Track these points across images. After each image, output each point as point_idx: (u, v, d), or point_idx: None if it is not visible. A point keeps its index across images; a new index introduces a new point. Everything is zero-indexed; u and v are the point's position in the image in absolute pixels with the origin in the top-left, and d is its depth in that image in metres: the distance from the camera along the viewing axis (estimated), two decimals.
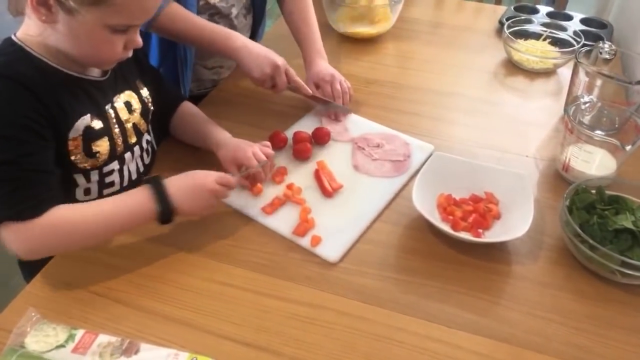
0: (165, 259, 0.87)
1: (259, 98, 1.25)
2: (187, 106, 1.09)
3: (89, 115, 0.85)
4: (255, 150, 0.98)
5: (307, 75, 1.22)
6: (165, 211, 0.82)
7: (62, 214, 0.78)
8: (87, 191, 0.91)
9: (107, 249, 0.89)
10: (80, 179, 0.88)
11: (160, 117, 1.05)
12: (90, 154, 0.87)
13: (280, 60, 1.10)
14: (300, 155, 1.07)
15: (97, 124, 0.87)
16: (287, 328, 0.77)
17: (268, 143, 1.00)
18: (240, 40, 1.10)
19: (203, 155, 1.04)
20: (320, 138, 1.10)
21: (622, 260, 0.79)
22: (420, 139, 1.14)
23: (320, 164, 1.05)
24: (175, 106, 1.08)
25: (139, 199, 0.82)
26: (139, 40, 0.83)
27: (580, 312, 0.81)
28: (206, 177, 0.87)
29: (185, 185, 0.86)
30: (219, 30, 1.11)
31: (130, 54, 0.85)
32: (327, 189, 0.99)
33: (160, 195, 0.82)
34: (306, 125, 1.16)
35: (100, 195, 0.92)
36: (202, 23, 1.10)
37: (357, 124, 1.18)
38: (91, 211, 0.81)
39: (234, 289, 0.83)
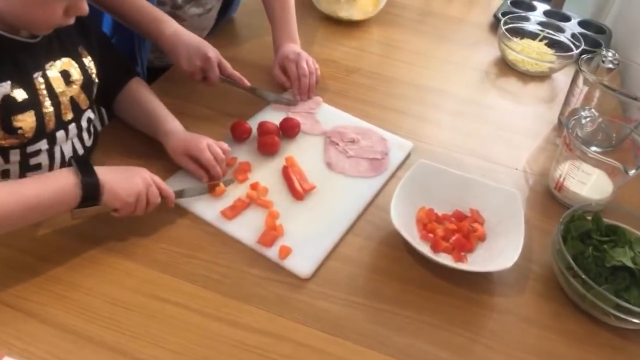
0: (95, 264, 0.74)
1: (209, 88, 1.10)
2: (137, 84, 0.94)
3: (9, 82, 0.71)
4: (210, 142, 0.86)
5: (274, 59, 1.10)
6: (89, 181, 0.69)
7: None
8: (4, 173, 0.77)
9: (20, 244, 0.74)
10: None
11: (104, 93, 0.90)
12: (9, 129, 0.73)
13: (212, 52, 0.97)
14: (267, 149, 0.94)
15: (20, 94, 0.73)
16: None
17: (225, 145, 0.88)
18: (172, 27, 0.96)
19: (156, 144, 0.90)
20: (288, 130, 0.98)
21: (617, 303, 0.71)
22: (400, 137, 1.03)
23: (289, 160, 0.93)
24: (123, 82, 0.93)
25: (61, 173, 0.69)
26: (85, 7, 0.71)
27: (567, 356, 0.72)
28: (143, 169, 0.77)
29: (117, 167, 0.75)
30: (152, 11, 0.96)
31: (71, 21, 0.72)
32: (298, 191, 0.87)
33: (84, 165, 0.70)
34: (273, 115, 1.03)
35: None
36: (138, 1, 0.95)
37: (329, 115, 1.06)
38: (2, 188, 0.66)
39: (177, 308, 0.70)
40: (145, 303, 0.70)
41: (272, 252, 0.78)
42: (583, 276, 0.73)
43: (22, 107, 0.73)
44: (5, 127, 0.72)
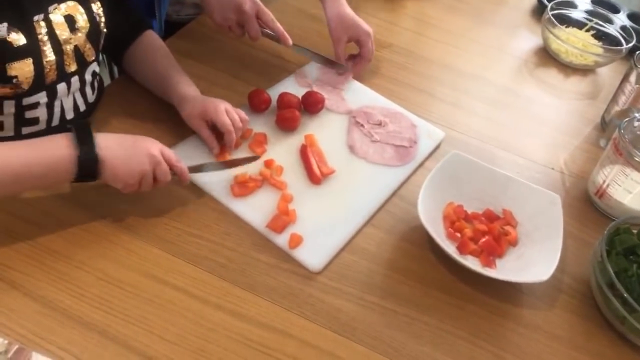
0: (89, 234, 0.67)
1: (244, 41, 1.00)
2: (150, 38, 0.86)
3: (5, 24, 0.63)
4: (229, 108, 0.78)
5: (332, 20, 0.96)
6: (86, 157, 0.61)
7: None
8: None
9: (9, 206, 0.68)
10: None
11: (113, 45, 0.82)
12: (3, 78, 0.65)
13: (248, 3, 0.86)
14: (286, 124, 0.86)
15: (18, 39, 0.65)
16: (233, 356, 0.59)
17: (243, 114, 0.80)
18: None
19: (165, 105, 0.83)
20: (311, 105, 0.89)
21: None
22: (431, 124, 0.94)
23: (309, 138, 0.85)
24: (135, 34, 0.85)
25: (56, 142, 0.62)
26: None
27: None
28: (152, 142, 0.68)
29: (123, 139, 0.66)
30: None
31: None
32: (316, 174, 0.79)
33: (84, 138, 0.61)
34: (295, 87, 0.94)
35: (18, 134, 0.72)
36: None
37: (356, 93, 0.97)
38: None
39: (176, 292, 0.64)
40: (142, 284, 0.64)
41: (282, 240, 0.71)
42: (626, 295, 0.65)
43: (19, 53, 0.66)
44: None
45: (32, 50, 0.67)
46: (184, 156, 0.75)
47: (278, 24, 0.89)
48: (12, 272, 0.62)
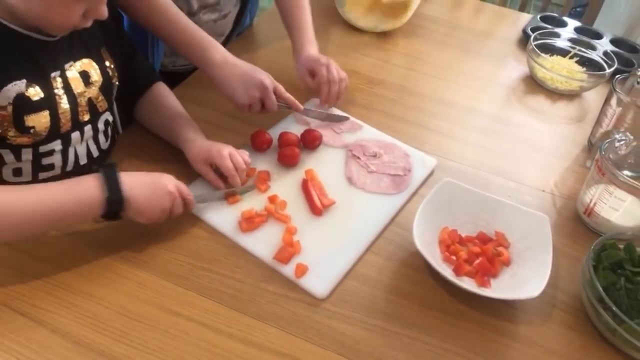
0: (108, 272, 0.73)
1: None
2: (160, 89, 0.93)
3: (24, 81, 0.70)
4: (232, 151, 0.84)
5: (297, 62, 1.06)
6: (114, 199, 0.67)
7: None
8: (16, 171, 0.76)
9: (32, 249, 0.73)
10: (7, 156, 0.74)
11: (126, 96, 0.89)
12: (22, 128, 0.71)
13: (267, 79, 0.92)
14: (287, 160, 0.92)
15: (35, 93, 0.72)
16: None
17: (246, 155, 0.86)
18: (220, 52, 0.92)
19: (172, 148, 0.89)
20: (310, 142, 0.96)
21: None
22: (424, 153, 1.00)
23: (309, 173, 0.91)
24: (146, 86, 0.92)
25: (86, 184, 0.68)
26: (104, 11, 0.70)
27: None
28: (168, 179, 0.74)
29: (143, 178, 0.73)
30: (196, 34, 0.92)
31: (89, 23, 0.71)
32: (317, 206, 0.84)
33: (111, 179, 0.68)
34: (294, 126, 1.01)
35: (35, 179, 0.78)
36: (178, 19, 0.91)
37: (352, 128, 1.04)
38: (28, 194, 0.65)
39: (189, 323, 0.69)
40: (158, 316, 0.68)
41: (289, 270, 0.75)
42: (614, 309, 0.69)
43: (36, 106, 0.72)
44: (17, 125, 0.71)
45: (49, 103, 0.73)
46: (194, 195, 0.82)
47: (288, 94, 0.97)
48: (38, 309, 0.67)
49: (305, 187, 0.88)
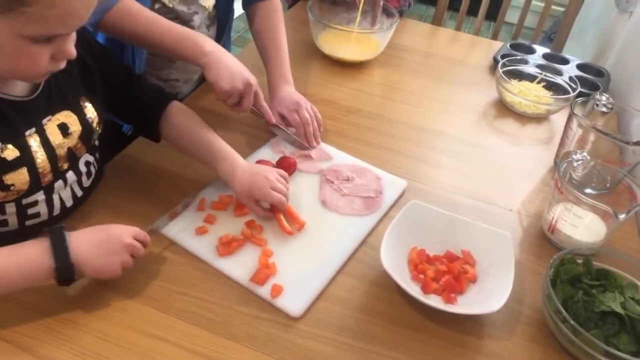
0: (88, 298, 0.76)
1: (220, 115, 1.14)
2: (179, 106, 0.96)
3: None
4: (275, 185, 0.88)
5: (271, 102, 1.11)
6: (63, 266, 0.68)
7: None
8: (3, 223, 0.77)
9: None
10: None
11: (146, 122, 0.93)
12: (1, 186, 0.72)
13: (253, 79, 0.98)
14: None
15: (10, 154, 0.72)
16: None
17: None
18: (210, 44, 0.96)
19: (154, 178, 0.95)
20: (285, 168, 0.99)
21: (606, 349, 0.70)
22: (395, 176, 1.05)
23: None
24: (163, 105, 0.94)
25: (34, 251, 0.68)
26: (72, 51, 0.69)
27: None
28: (123, 230, 0.75)
29: (96, 237, 0.73)
30: (184, 30, 0.96)
31: (62, 65, 0.70)
32: (286, 229, 0.88)
33: (58, 246, 0.68)
34: (270, 154, 1.06)
35: (22, 227, 0.80)
36: (163, 21, 0.95)
37: (326, 155, 1.08)
38: None
39: (166, 345, 0.72)
40: (136, 340, 0.71)
41: (264, 291, 0.79)
42: (571, 321, 0.73)
43: (13, 165, 0.72)
44: None
45: (26, 160, 0.73)
46: (171, 224, 0.86)
47: (265, 104, 1.03)
48: (21, 336, 0.70)
49: (273, 212, 0.92)
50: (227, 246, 0.85)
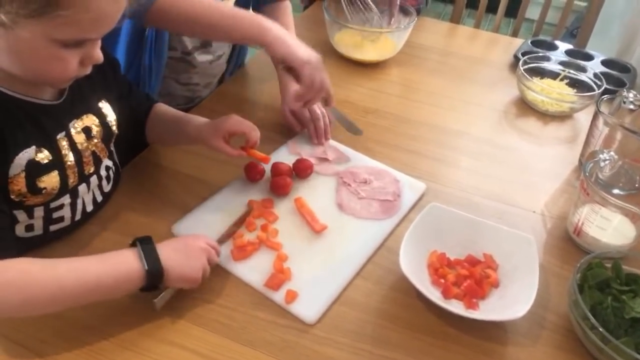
0: (104, 305, 0.74)
1: None
2: (160, 107, 0.97)
3: (33, 147, 0.72)
4: (237, 118, 0.90)
5: (282, 102, 1.11)
6: (154, 270, 0.69)
7: (26, 270, 0.65)
8: (28, 227, 0.78)
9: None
10: (20, 216, 0.76)
11: (134, 127, 0.93)
12: (34, 190, 0.73)
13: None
14: (279, 190, 0.95)
15: (44, 157, 0.73)
16: None
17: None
18: (270, 22, 0.96)
19: (169, 180, 0.95)
20: (301, 171, 0.99)
21: (636, 358, 0.67)
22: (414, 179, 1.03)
23: (298, 201, 0.93)
24: (148, 110, 0.96)
25: (125, 259, 0.70)
26: (99, 55, 0.70)
27: None
28: (197, 237, 0.78)
29: (176, 245, 0.74)
30: (241, 11, 0.95)
31: (88, 70, 0.72)
32: (314, 227, 0.88)
33: (148, 252, 0.70)
34: (286, 156, 1.05)
35: (46, 232, 0.80)
36: (219, 2, 0.94)
37: (343, 156, 1.07)
38: (66, 267, 0.67)
39: (183, 351, 0.71)
40: (152, 346, 0.71)
41: (279, 296, 0.78)
42: (600, 328, 0.70)
43: (46, 168, 0.74)
44: (30, 188, 0.73)
45: (57, 163, 0.75)
46: (188, 226, 0.86)
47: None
48: (37, 342, 0.70)
49: (300, 212, 0.91)
50: (242, 250, 0.84)
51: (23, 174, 0.71)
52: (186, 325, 0.74)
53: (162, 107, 0.97)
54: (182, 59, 1.11)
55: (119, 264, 0.69)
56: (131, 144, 0.99)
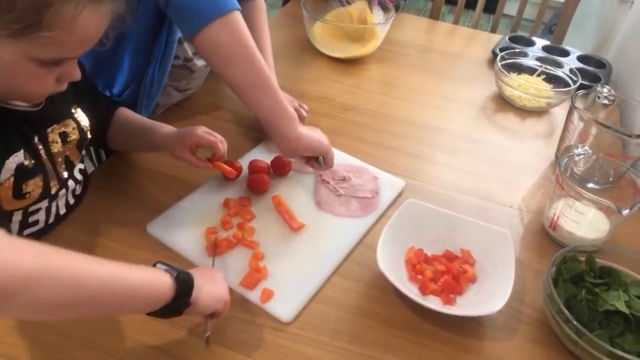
0: None
1: (214, 116, 1.13)
2: (123, 111, 0.95)
3: (22, 150, 0.72)
4: (205, 129, 0.89)
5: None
6: (184, 279, 0.63)
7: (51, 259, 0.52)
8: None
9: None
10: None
11: (98, 133, 0.91)
12: (20, 195, 0.73)
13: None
14: (256, 188, 0.94)
15: (30, 162, 0.73)
16: None
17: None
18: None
19: (145, 179, 0.93)
20: (279, 168, 0.98)
21: (610, 350, 0.68)
22: (393, 175, 1.02)
23: (276, 199, 0.93)
24: (111, 114, 0.94)
25: (153, 270, 0.63)
26: (77, 73, 0.69)
27: None
28: (211, 268, 0.77)
29: (195, 270, 0.68)
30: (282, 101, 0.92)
31: (64, 87, 0.70)
32: (291, 225, 0.88)
33: (171, 266, 0.64)
34: (264, 154, 1.03)
35: (19, 236, 0.76)
36: (267, 72, 0.90)
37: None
38: (107, 268, 0.57)
39: (155, 352, 0.70)
40: (124, 348, 0.69)
41: (254, 295, 0.77)
42: (574, 322, 0.70)
43: (32, 173, 0.73)
44: (15, 192, 0.72)
45: (40, 168, 0.75)
46: (163, 225, 0.84)
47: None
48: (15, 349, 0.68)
49: (278, 210, 0.90)
50: (217, 248, 0.83)
51: (12, 179, 0.70)
52: (157, 324, 0.72)
53: (126, 112, 0.95)
54: (183, 66, 1.09)
55: (150, 272, 0.61)
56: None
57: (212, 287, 0.68)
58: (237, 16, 0.86)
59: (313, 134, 0.95)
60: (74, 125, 0.81)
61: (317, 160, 0.96)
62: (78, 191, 0.88)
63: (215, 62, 0.89)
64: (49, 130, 0.77)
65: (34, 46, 0.60)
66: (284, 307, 0.76)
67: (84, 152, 0.87)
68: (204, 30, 0.83)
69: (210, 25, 0.83)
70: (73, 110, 0.83)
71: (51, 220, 0.82)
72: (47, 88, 0.68)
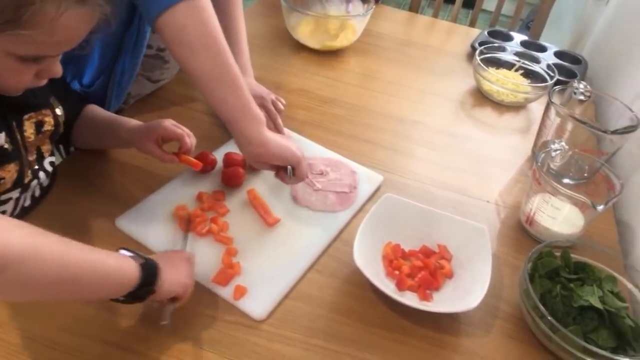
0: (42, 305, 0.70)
1: (189, 108, 1.10)
2: (91, 108, 0.92)
3: (3, 134, 0.69)
4: (172, 122, 0.85)
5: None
6: (148, 264, 0.62)
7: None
8: None
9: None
10: None
11: (65, 129, 0.88)
12: None
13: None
14: (230, 181, 0.92)
15: (10, 146, 0.71)
16: None
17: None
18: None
19: (115, 172, 0.91)
20: None
21: (584, 345, 0.68)
22: (371, 170, 1.01)
23: (251, 193, 0.90)
24: (79, 110, 0.91)
25: (121, 256, 0.61)
26: (58, 69, 0.67)
27: None
28: (175, 251, 0.75)
29: (158, 255, 0.68)
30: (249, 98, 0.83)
31: (44, 82, 0.68)
32: (266, 220, 0.86)
33: (135, 253, 0.63)
34: None
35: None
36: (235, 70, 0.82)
37: (299, 147, 1.03)
38: (88, 253, 0.56)
39: (120, 351, 0.67)
40: (90, 347, 0.67)
41: (227, 292, 0.75)
42: (549, 317, 0.70)
43: (10, 157, 0.71)
44: None
45: (17, 154, 0.72)
46: (132, 219, 0.81)
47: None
48: None
49: (252, 204, 0.88)
50: (191, 222, 0.81)
51: None
52: (120, 322, 0.70)
53: (93, 109, 0.92)
54: (156, 56, 1.05)
55: (107, 255, 0.58)
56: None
57: (174, 272, 0.67)
58: (206, 2, 0.82)
59: (284, 142, 0.84)
60: (51, 115, 0.79)
61: (286, 171, 0.86)
62: (45, 182, 0.84)
63: (178, 49, 0.80)
64: (26, 117, 0.75)
65: (12, 42, 0.58)
66: (257, 304, 0.74)
67: (53, 144, 0.84)
68: (169, 11, 0.76)
69: (175, 7, 0.77)
70: (51, 101, 0.80)
71: (17, 212, 0.79)
72: (25, 83, 0.66)
